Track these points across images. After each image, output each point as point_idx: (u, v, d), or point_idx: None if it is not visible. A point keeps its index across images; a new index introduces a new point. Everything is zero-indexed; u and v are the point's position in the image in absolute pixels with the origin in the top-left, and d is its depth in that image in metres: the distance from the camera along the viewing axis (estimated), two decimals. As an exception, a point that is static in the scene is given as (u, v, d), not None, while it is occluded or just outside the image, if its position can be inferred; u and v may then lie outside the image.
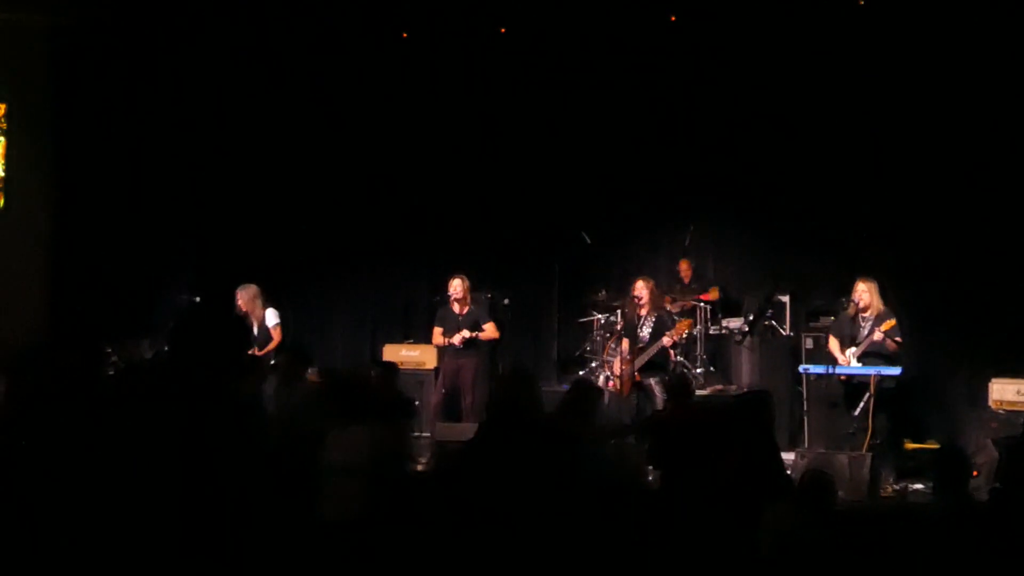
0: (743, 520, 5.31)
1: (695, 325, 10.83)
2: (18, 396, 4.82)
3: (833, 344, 9.47)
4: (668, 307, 10.74)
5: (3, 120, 12.08)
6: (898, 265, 10.46)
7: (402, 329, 12.34)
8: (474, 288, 10.65)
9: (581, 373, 11.04)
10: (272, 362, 9.57)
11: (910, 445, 9.79)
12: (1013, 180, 10.25)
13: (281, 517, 4.74)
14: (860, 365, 9.15)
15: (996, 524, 5.18)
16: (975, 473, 7.49)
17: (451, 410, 10.28)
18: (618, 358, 9.82)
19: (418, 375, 10.88)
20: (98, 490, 3.98)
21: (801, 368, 9.78)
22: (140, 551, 3.81)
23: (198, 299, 11.23)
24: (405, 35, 12.00)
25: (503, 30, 11.81)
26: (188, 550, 3.87)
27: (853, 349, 9.24)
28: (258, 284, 10.29)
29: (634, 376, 9.67)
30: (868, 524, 7.29)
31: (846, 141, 11.02)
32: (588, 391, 7.07)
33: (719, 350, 11.41)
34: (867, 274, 9.45)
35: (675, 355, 10.12)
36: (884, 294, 9.36)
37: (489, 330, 10.40)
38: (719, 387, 10.70)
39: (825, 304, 10.75)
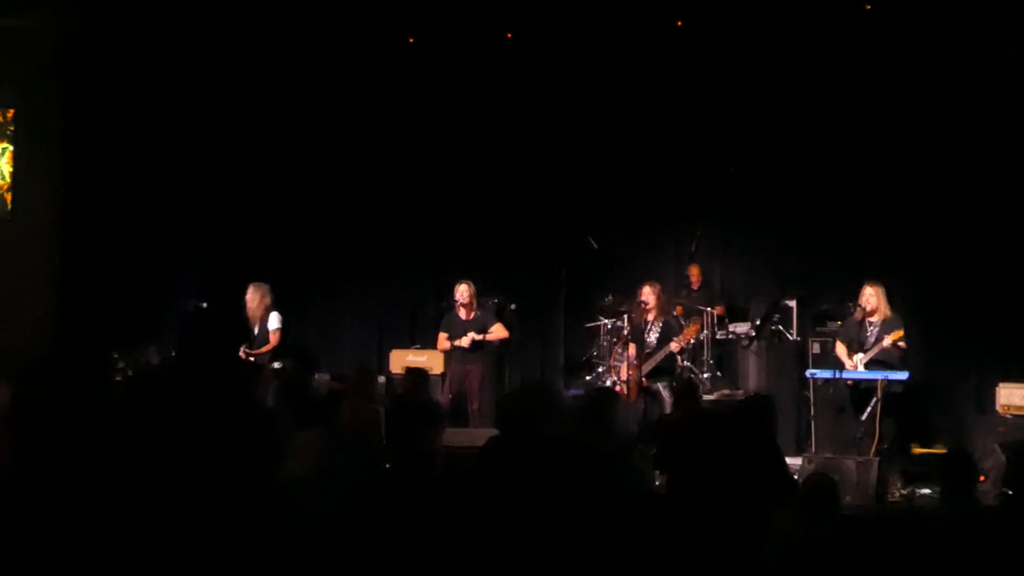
0: (748, 524, 5.30)
1: (702, 330, 10.82)
2: (24, 404, 4.85)
3: (840, 349, 9.46)
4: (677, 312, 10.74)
5: (11, 125, 12.11)
6: (905, 269, 10.46)
7: (409, 334, 12.35)
8: (480, 293, 10.65)
9: (588, 378, 11.04)
10: (276, 366, 9.62)
11: (917, 450, 9.77)
12: (1021, 185, 10.23)
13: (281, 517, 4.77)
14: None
15: (1004, 529, 5.18)
16: (982, 478, 7.49)
17: (458, 415, 10.28)
18: (625, 363, 9.82)
19: (425, 380, 10.87)
20: (104, 495, 3.99)
21: (808, 373, 9.78)
22: (148, 553, 3.82)
23: (205, 305, 11.23)
24: (411, 40, 12.02)
25: (509, 35, 11.83)
26: (199, 551, 3.89)
27: (861, 355, 9.23)
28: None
29: (641, 381, 9.66)
30: (875, 529, 7.27)
31: (854, 145, 11.00)
32: (606, 398, 6.96)
33: (726, 355, 11.40)
34: (874, 278, 9.44)
35: (682, 360, 10.11)
36: (891, 298, 9.36)
37: (497, 330, 10.40)
38: (726, 392, 10.68)
39: (832, 309, 10.74)
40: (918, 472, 9.11)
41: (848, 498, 7.83)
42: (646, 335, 9.83)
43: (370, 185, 12.46)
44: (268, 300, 10.13)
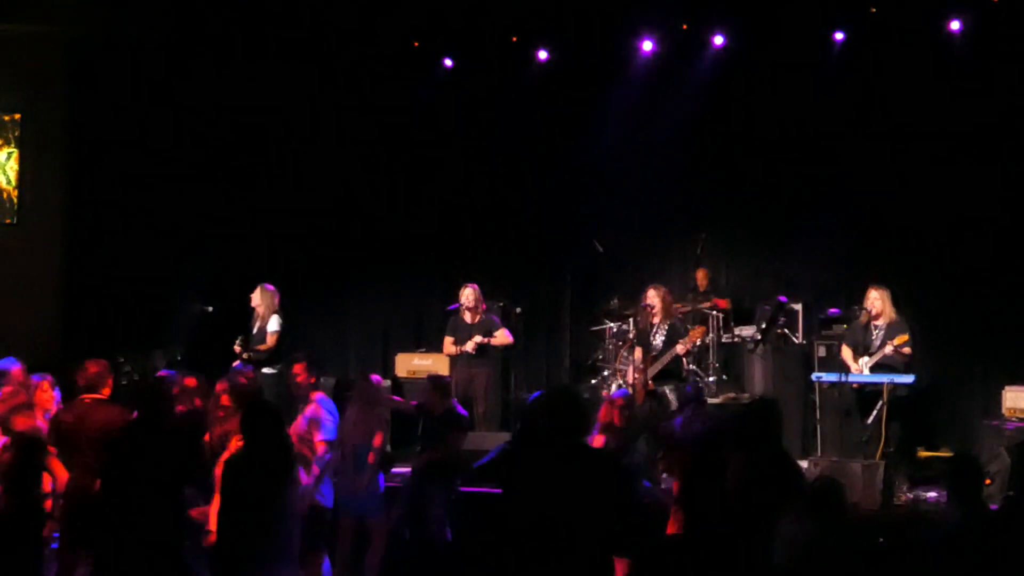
0: (756, 528, 5.30)
1: (708, 333, 10.80)
2: None
3: (846, 352, 9.45)
4: (679, 312, 10.72)
5: (17, 129, 12.14)
6: (911, 273, 10.46)
7: (415, 338, 12.35)
8: (486, 297, 10.65)
9: (593, 382, 11.03)
10: (267, 372, 9.64)
11: (923, 453, 9.76)
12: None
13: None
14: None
15: (1009, 532, 5.17)
16: (988, 481, 7.48)
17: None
18: (631, 366, 9.80)
19: (430, 384, 10.86)
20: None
21: (814, 376, 9.76)
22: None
23: (210, 309, 11.23)
24: (416, 44, 12.04)
25: (514, 39, 11.84)
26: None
27: (866, 359, 9.21)
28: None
29: (647, 384, 9.65)
30: (882, 532, 7.26)
31: (859, 149, 11.02)
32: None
33: (732, 358, 11.37)
34: (879, 282, 9.43)
35: (688, 363, 10.09)
36: (896, 302, 9.35)
37: (501, 336, 10.40)
38: (731, 395, 10.65)
39: (837, 312, 10.72)
40: (924, 475, 9.12)
41: (855, 502, 7.81)
42: (652, 338, 9.81)
43: (376, 189, 12.47)
44: (275, 302, 10.13)
